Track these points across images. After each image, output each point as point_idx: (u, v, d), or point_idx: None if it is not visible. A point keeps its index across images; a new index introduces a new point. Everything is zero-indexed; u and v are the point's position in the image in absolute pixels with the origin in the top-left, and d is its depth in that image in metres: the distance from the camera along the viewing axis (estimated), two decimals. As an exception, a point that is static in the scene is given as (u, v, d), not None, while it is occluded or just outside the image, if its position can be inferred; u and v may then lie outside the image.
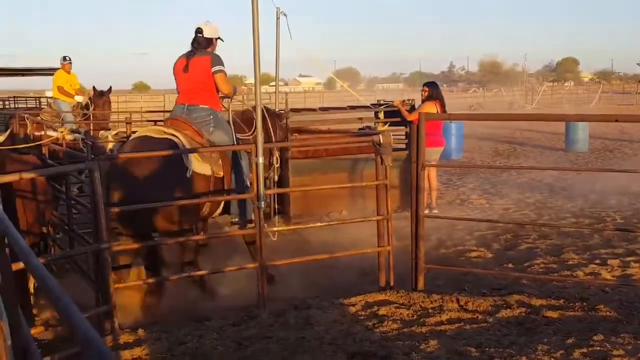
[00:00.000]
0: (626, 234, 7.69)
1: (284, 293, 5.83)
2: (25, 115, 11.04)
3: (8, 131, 7.63)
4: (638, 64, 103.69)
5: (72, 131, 9.14)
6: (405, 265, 6.00)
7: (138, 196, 5.46)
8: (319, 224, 6.73)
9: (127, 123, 10.35)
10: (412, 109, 9.85)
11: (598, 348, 4.27)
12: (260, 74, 5.48)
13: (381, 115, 10.07)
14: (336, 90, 69.41)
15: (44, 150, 7.99)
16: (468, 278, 6.25)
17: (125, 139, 8.40)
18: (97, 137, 9.59)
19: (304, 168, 9.09)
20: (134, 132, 7.79)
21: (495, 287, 5.89)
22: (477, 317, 5.07)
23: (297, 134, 9.50)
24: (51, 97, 16.26)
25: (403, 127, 9.85)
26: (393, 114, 9.92)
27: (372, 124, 10.10)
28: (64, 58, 14.40)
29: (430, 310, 5.24)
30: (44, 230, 6.04)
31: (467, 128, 18.11)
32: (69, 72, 14.34)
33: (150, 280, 5.59)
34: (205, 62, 6.32)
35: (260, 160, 5.44)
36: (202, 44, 6.41)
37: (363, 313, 5.24)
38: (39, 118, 11.88)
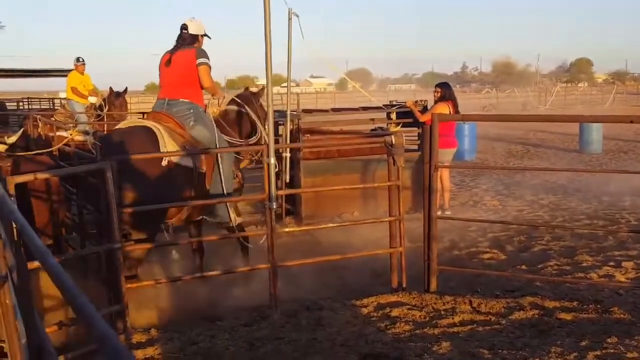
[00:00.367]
0: (640, 236, 7.63)
1: (296, 294, 5.83)
2: (38, 117, 11.13)
3: (20, 131, 7.66)
4: None
5: (83, 132, 9.20)
6: (417, 266, 5.98)
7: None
8: (330, 224, 6.73)
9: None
10: (425, 109, 9.83)
11: (612, 350, 4.24)
12: (272, 75, 5.49)
13: (393, 116, 10.05)
14: (348, 91, 69.48)
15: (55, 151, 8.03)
16: (481, 280, 6.22)
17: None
18: None
19: (316, 169, 9.09)
20: None
21: (508, 288, 5.86)
22: (490, 319, 5.05)
23: (309, 135, 9.51)
24: (65, 98, 16.35)
25: (416, 128, 9.82)
26: (405, 115, 9.90)
27: (384, 125, 10.09)
28: (78, 59, 14.47)
29: (442, 312, 5.23)
30: (59, 230, 6.07)
31: (480, 129, 18.04)
32: (82, 73, 14.41)
33: (163, 280, 5.61)
34: (189, 55, 6.27)
35: (272, 161, 5.45)
36: (187, 40, 6.37)
37: (375, 314, 5.23)
38: (52, 119, 11.96)
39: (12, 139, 6.84)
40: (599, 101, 48.57)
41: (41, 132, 10.35)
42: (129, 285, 5.05)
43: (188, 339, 4.77)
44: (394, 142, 5.89)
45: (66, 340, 4.78)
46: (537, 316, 5.05)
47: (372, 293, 5.70)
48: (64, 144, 7.73)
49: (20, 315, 2.64)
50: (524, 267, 6.77)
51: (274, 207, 5.50)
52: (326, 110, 11.12)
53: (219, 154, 6.32)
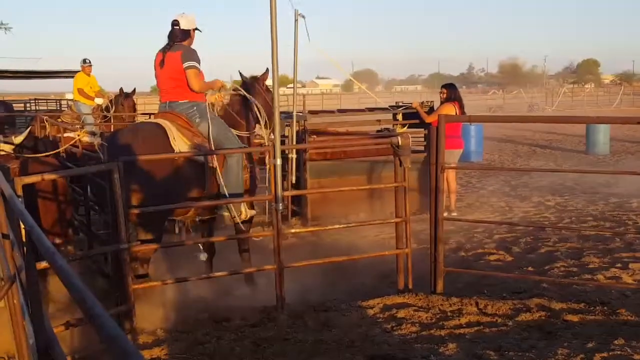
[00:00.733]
0: (648, 238, 7.60)
1: (303, 295, 5.83)
2: (45, 118, 11.17)
3: (27, 131, 7.69)
4: None
5: (90, 133, 9.23)
6: (424, 268, 5.98)
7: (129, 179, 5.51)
8: (337, 226, 6.72)
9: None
10: (431, 110, 9.82)
11: (619, 352, 4.22)
12: (278, 76, 5.49)
13: (400, 117, 10.05)
14: (354, 92, 69.47)
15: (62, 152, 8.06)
16: (487, 281, 6.21)
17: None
18: None
19: (322, 170, 9.10)
20: None
21: (514, 290, 5.84)
22: (497, 320, 5.04)
23: (315, 136, 9.52)
24: (71, 100, 16.39)
25: (422, 129, 9.82)
26: (412, 116, 9.90)
27: (390, 126, 10.09)
28: (84, 60, 14.49)
29: (449, 314, 5.22)
30: (66, 231, 6.10)
31: (486, 130, 18.01)
32: (89, 75, 14.44)
33: (169, 281, 5.62)
34: (176, 58, 6.18)
35: (279, 162, 5.46)
36: (178, 36, 6.26)
37: (381, 316, 5.23)
38: (59, 120, 12.00)
39: (19, 139, 6.88)
40: (606, 102, 48.41)
41: (49, 133, 10.39)
42: (135, 286, 5.06)
43: (194, 340, 4.78)
44: (400, 143, 5.88)
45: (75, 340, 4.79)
46: (543, 318, 5.04)
47: (378, 294, 5.69)
48: (71, 145, 7.76)
49: (29, 316, 2.65)
50: (530, 268, 6.75)
51: (281, 208, 5.51)
52: (332, 111, 11.13)
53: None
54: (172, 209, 5.96)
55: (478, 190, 12.03)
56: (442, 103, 9.72)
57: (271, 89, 6.05)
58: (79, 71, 14.73)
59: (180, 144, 5.93)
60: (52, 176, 5.23)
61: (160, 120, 6.11)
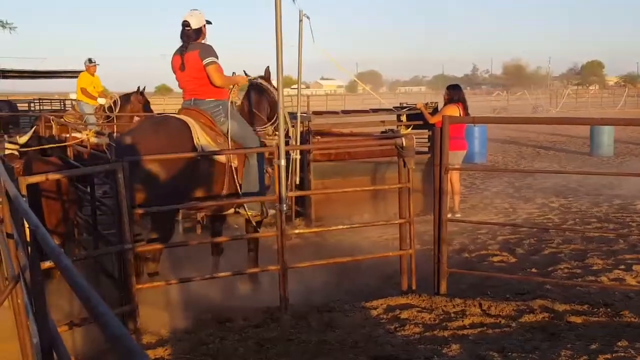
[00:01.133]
0: (652, 240, 7.59)
1: (306, 295, 5.84)
2: (51, 117, 11.20)
3: (31, 131, 7.71)
4: None
5: (97, 133, 9.24)
6: (427, 269, 5.97)
7: (150, 174, 5.58)
8: (340, 226, 6.72)
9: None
10: (435, 111, 9.81)
11: (622, 354, 4.22)
12: (283, 77, 5.49)
13: (404, 118, 10.04)
14: (358, 93, 69.45)
15: (69, 152, 8.08)
16: (491, 282, 6.21)
17: None
18: None
19: (325, 171, 9.10)
20: None
21: (518, 291, 5.84)
22: (500, 321, 5.03)
23: (319, 137, 9.52)
24: (75, 100, 16.41)
25: (426, 131, 9.81)
26: (416, 117, 9.89)
27: (394, 127, 10.09)
28: (89, 60, 14.51)
29: (452, 315, 5.22)
30: (69, 230, 6.12)
31: (490, 131, 17.99)
32: (93, 75, 14.44)
33: (173, 281, 5.63)
34: (195, 57, 6.21)
35: (282, 162, 5.46)
36: (191, 36, 6.28)
37: (385, 316, 5.23)
38: (62, 120, 12.01)
39: (24, 139, 6.88)
40: (610, 104, 48.31)
41: (54, 133, 10.40)
42: (139, 286, 5.07)
43: (198, 340, 4.78)
44: (404, 145, 5.88)
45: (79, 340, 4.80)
46: (547, 319, 5.03)
47: (382, 295, 5.70)
48: (76, 144, 7.77)
49: (32, 315, 2.66)
50: (534, 270, 6.75)
51: (284, 209, 5.51)
52: (336, 112, 11.12)
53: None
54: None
55: (482, 192, 12.02)
56: (445, 104, 9.72)
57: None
58: (83, 71, 14.76)
59: (203, 141, 5.97)
60: (57, 176, 5.24)
61: (183, 117, 6.13)
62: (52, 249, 1.72)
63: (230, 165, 6.14)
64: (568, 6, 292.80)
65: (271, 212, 6.46)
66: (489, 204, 10.79)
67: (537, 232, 8.32)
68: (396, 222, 6.19)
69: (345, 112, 11.22)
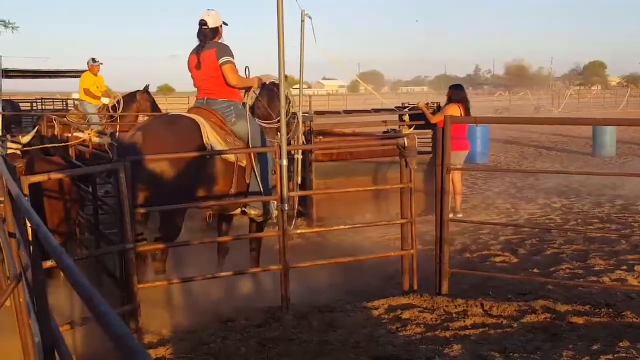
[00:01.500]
0: (654, 240, 7.58)
1: (308, 295, 5.84)
2: (53, 117, 11.19)
3: (34, 131, 7.71)
4: None
5: (99, 133, 9.24)
6: (429, 269, 5.97)
7: (158, 171, 5.61)
8: (342, 226, 6.72)
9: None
10: (437, 111, 9.81)
11: (624, 355, 4.22)
12: (285, 77, 5.50)
13: (406, 118, 10.04)
14: (360, 93, 69.46)
15: (71, 151, 8.08)
16: (493, 283, 6.20)
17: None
18: None
19: (327, 171, 9.10)
20: None
21: (520, 292, 5.83)
22: (502, 322, 5.03)
23: (321, 137, 9.52)
24: (77, 99, 16.40)
25: (428, 130, 9.81)
26: (418, 117, 9.88)
27: (396, 127, 10.08)
28: (93, 59, 14.50)
29: (454, 315, 5.22)
30: (71, 229, 6.12)
31: (492, 131, 17.98)
32: (96, 74, 14.43)
33: (175, 281, 5.64)
34: (211, 55, 6.26)
35: (284, 162, 5.46)
36: (208, 35, 6.33)
37: (386, 317, 5.23)
38: (64, 119, 12.00)
39: (27, 139, 6.88)
40: (612, 104, 48.26)
41: (56, 133, 10.40)
42: (141, 285, 5.07)
43: (199, 340, 4.78)
44: (406, 145, 5.88)
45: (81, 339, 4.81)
46: (548, 319, 5.03)
47: (383, 295, 5.69)
48: (79, 143, 7.77)
49: (34, 314, 2.66)
50: (535, 270, 6.75)
51: (286, 208, 5.52)
52: (338, 112, 11.12)
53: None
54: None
55: (484, 192, 12.01)
56: (446, 104, 9.71)
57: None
58: (85, 71, 14.75)
59: (213, 141, 6.00)
60: (59, 175, 5.25)
61: (194, 116, 6.16)
62: (53, 248, 1.72)
63: (239, 165, 6.18)
64: (570, 6, 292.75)
65: (275, 213, 6.48)
66: (491, 204, 10.79)
67: (539, 232, 8.32)
68: (398, 222, 6.19)
69: (347, 112, 11.22)
